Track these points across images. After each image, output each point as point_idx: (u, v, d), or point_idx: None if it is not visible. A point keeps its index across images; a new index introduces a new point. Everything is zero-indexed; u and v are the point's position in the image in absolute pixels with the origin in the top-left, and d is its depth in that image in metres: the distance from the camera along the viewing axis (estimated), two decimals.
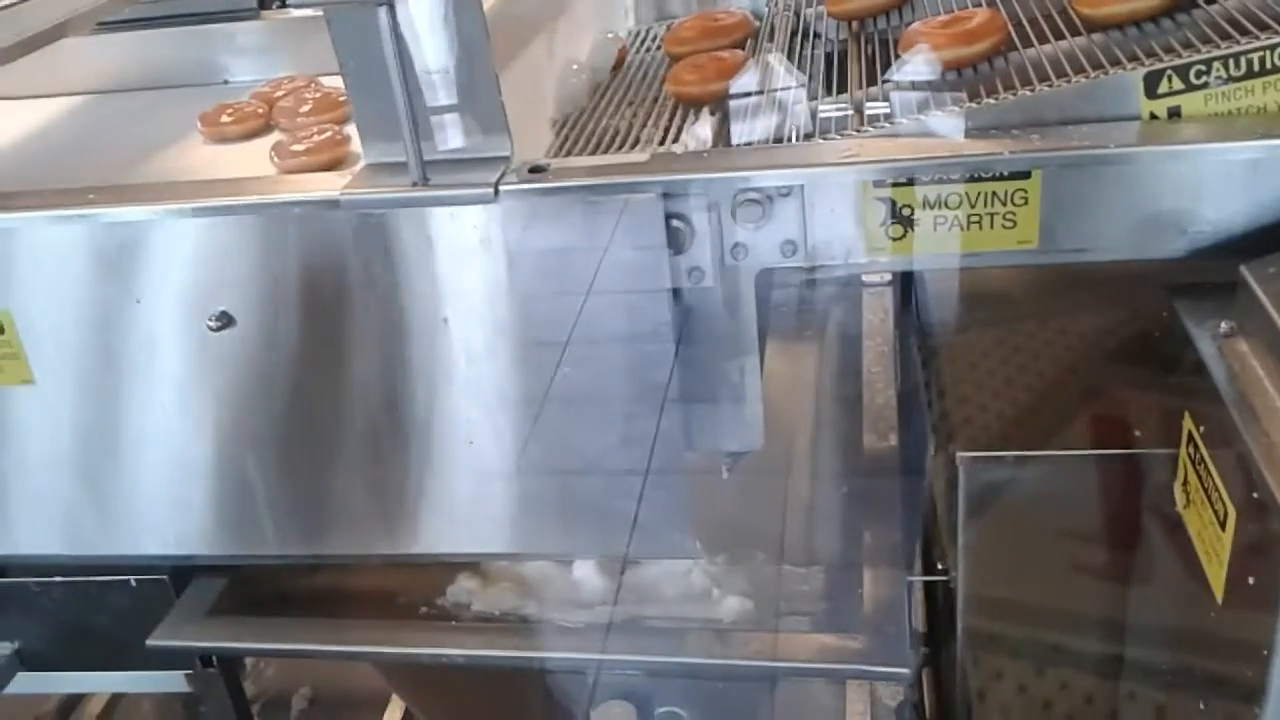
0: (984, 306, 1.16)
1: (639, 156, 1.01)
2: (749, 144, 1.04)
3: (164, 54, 1.61)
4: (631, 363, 1.00)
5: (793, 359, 1.53)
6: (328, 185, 0.98)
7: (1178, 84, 0.88)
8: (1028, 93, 0.93)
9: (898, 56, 1.08)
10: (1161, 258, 0.91)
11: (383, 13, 0.90)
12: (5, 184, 1.13)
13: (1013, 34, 1.05)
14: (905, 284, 1.56)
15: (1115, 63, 0.93)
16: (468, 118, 0.96)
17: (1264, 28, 0.90)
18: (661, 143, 1.11)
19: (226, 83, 1.61)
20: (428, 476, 1.07)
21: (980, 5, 1.15)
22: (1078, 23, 1.03)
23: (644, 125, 1.15)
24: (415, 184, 0.96)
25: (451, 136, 0.96)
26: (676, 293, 0.98)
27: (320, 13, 0.94)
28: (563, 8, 1.21)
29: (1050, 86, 0.92)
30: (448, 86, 0.94)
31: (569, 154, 1.12)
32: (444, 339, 1.01)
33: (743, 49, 1.27)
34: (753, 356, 1.02)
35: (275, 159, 1.24)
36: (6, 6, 1.14)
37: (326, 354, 1.04)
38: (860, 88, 1.09)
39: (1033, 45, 1.02)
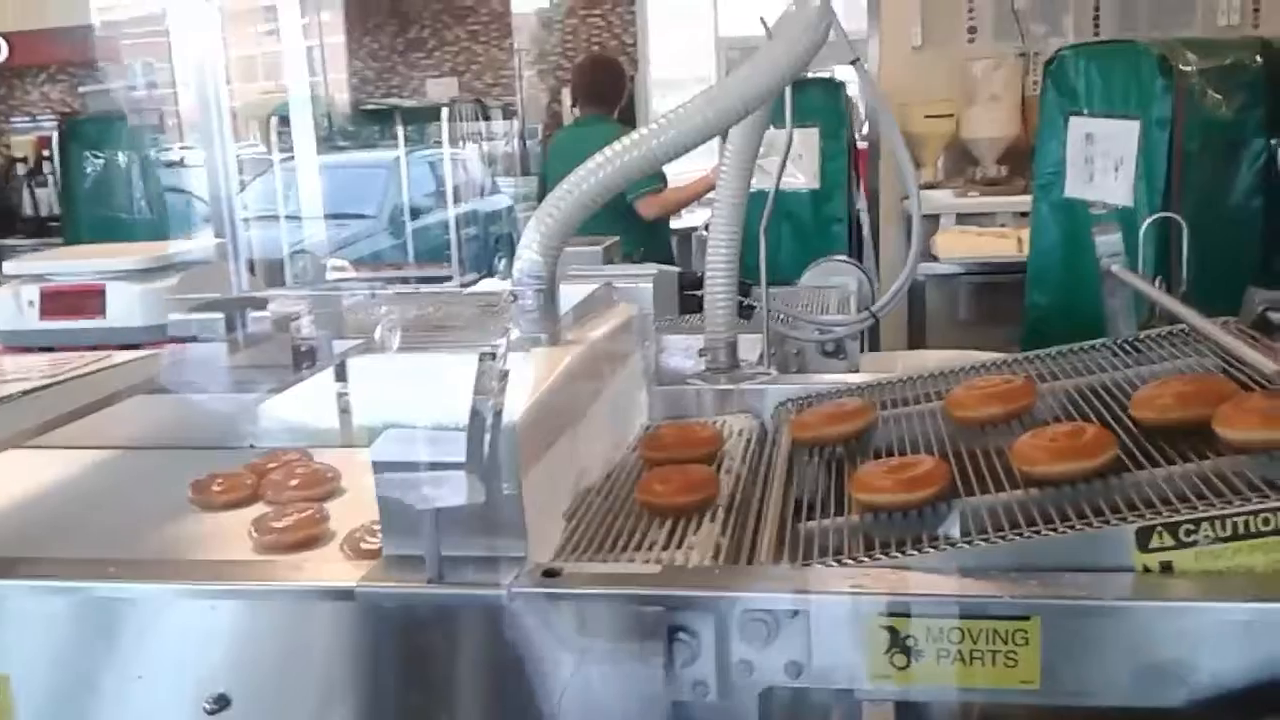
0: None
1: (650, 568, 1.04)
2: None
3: (194, 417, 1.68)
4: None
5: None
6: (344, 575, 1.00)
7: (1168, 540, 0.93)
8: (1016, 538, 0.98)
9: (851, 495, 1.14)
10: (1164, 706, 0.92)
11: None
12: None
13: (957, 481, 1.11)
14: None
15: (1054, 519, 0.98)
16: (488, 520, 0.99)
17: (1231, 495, 0.95)
18: (665, 546, 1.13)
19: (252, 447, 1.67)
20: None
21: (931, 449, 1.22)
22: (1017, 476, 1.08)
23: (649, 526, 1.19)
24: (431, 580, 0.98)
25: (471, 536, 1.00)
26: (678, 706, 0.98)
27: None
28: (583, 412, 1.28)
29: (1039, 534, 0.97)
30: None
31: (576, 550, 1.15)
32: None
33: (712, 462, 1.35)
34: None
35: (253, 533, 1.27)
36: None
37: None
38: (857, 513, 1.13)
39: (975, 494, 1.07)
